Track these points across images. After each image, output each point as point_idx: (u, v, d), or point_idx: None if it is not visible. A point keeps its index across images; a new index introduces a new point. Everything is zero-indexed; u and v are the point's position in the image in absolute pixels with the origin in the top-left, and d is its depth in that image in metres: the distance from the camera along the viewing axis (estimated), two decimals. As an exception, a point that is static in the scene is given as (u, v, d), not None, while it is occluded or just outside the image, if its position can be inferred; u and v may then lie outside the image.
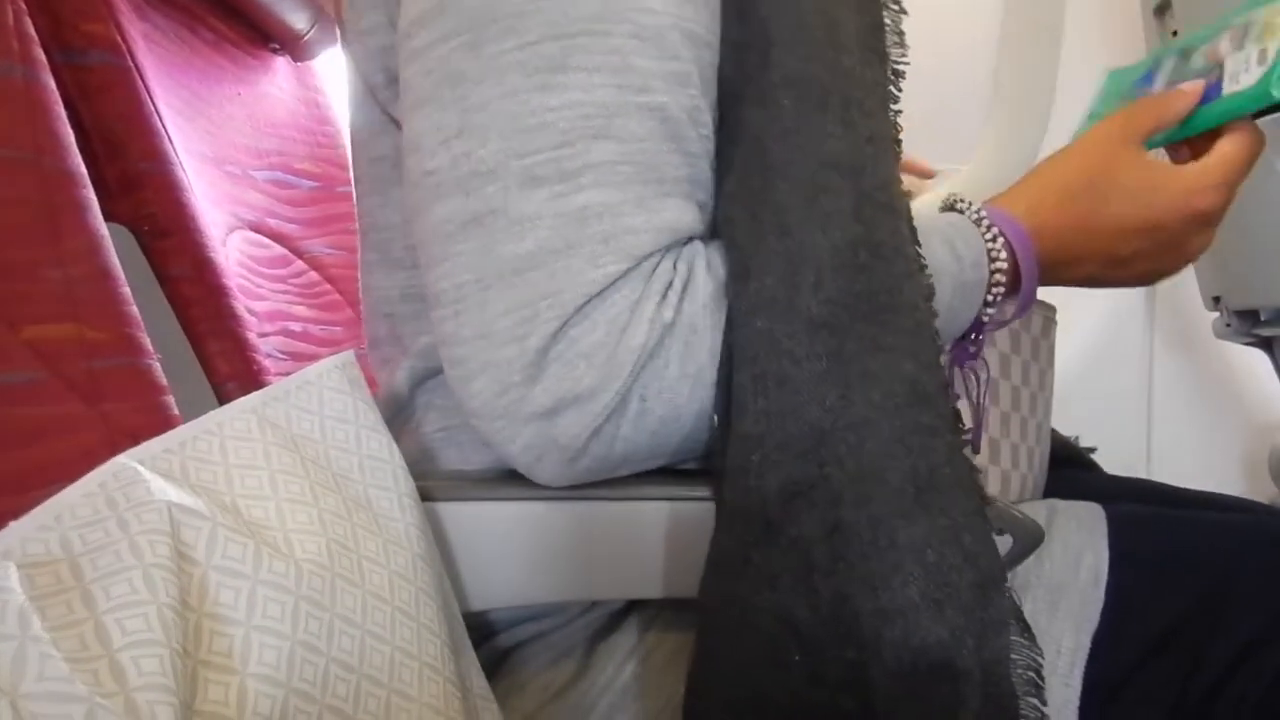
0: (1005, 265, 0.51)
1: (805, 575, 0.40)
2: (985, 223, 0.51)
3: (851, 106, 0.45)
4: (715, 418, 0.44)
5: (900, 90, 0.51)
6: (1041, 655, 0.45)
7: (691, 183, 0.44)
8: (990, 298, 0.51)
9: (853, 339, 0.42)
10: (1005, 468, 0.62)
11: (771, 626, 0.40)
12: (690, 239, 0.44)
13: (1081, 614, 0.49)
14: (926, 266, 0.47)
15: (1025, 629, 0.45)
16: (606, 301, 0.40)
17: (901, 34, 0.51)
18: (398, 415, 0.56)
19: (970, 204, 0.52)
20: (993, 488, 0.61)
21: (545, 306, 0.40)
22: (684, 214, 0.43)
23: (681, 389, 0.42)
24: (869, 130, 0.45)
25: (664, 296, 0.41)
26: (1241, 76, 0.52)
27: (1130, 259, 0.54)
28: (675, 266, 0.42)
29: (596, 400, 0.40)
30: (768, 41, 0.45)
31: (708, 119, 0.45)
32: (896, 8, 0.51)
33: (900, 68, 0.51)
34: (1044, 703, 0.44)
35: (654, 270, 0.41)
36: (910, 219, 0.47)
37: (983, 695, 0.40)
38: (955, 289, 0.49)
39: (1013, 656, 0.43)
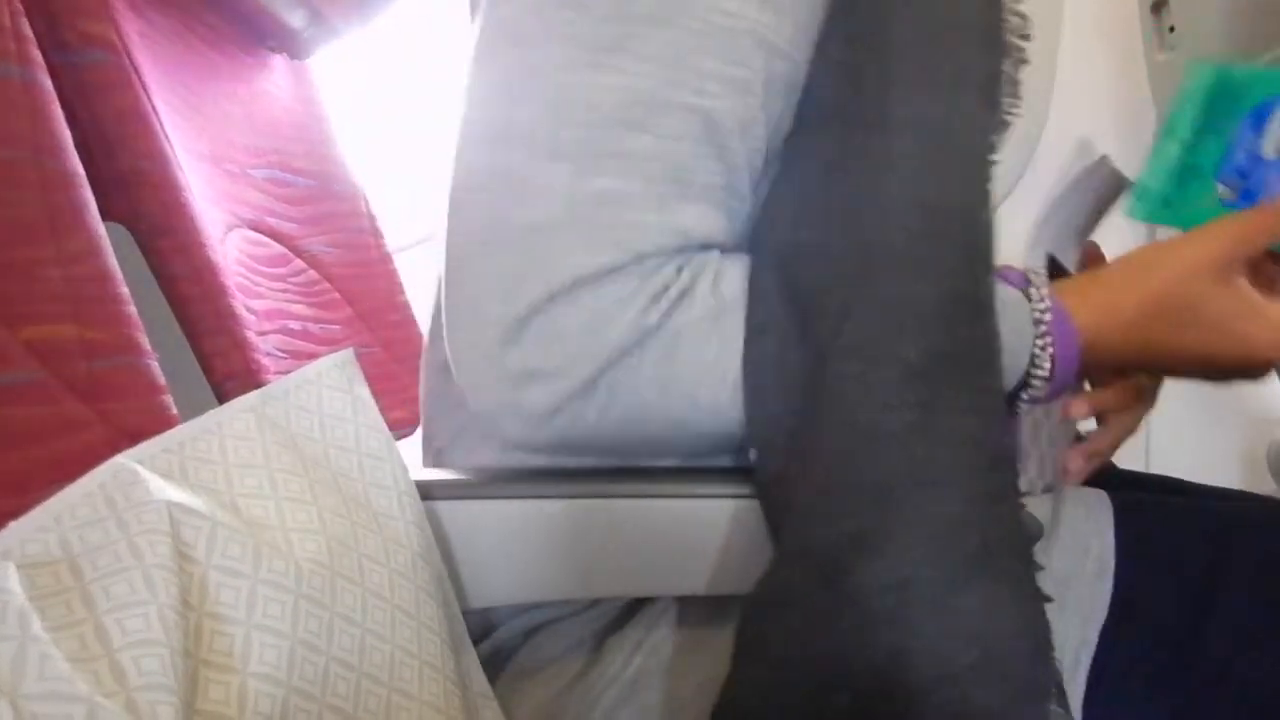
0: (1044, 376, 0.48)
1: (869, 625, 0.40)
2: (1043, 328, 0.47)
3: (970, 155, 0.44)
4: (753, 453, 0.43)
5: (1002, 141, 0.48)
6: None
7: (726, 190, 0.43)
8: (1021, 395, 0.49)
9: (943, 394, 0.41)
10: (1031, 476, 0.61)
11: (826, 667, 0.40)
12: (708, 247, 0.44)
13: (1089, 607, 0.49)
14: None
15: (1061, 695, 0.44)
16: (597, 290, 0.40)
17: (1017, 84, 0.49)
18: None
19: (1042, 295, 0.48)
20: None
21: (535, 277, 0.40)
22: (705, 220, 0.42)
23: (650, 392, 0.42)
24: (983, 181, 0.45)
25: (655, 300, 0.41)
26: None
27: (1169, 372, 0.53)
28: (679, 272, 0.42)
29: (562, 381, 0.41)
30: (888, 74, 0.43)
31: (762, 132, 0.43)
32: (1019, 55, 0.50)
33: (1009, 118, 0.49)
34: None
35: (655, 271, 0.41)
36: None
37: None
38: None
39: None
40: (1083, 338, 0.48)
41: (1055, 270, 0.61)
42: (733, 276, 0.44)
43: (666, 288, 0.41)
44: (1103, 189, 0.63)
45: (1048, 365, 0.48)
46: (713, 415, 0.43)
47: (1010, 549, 0.42)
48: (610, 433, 0.43)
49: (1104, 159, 0.62)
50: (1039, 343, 0.48)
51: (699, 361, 0.42)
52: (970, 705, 0.39)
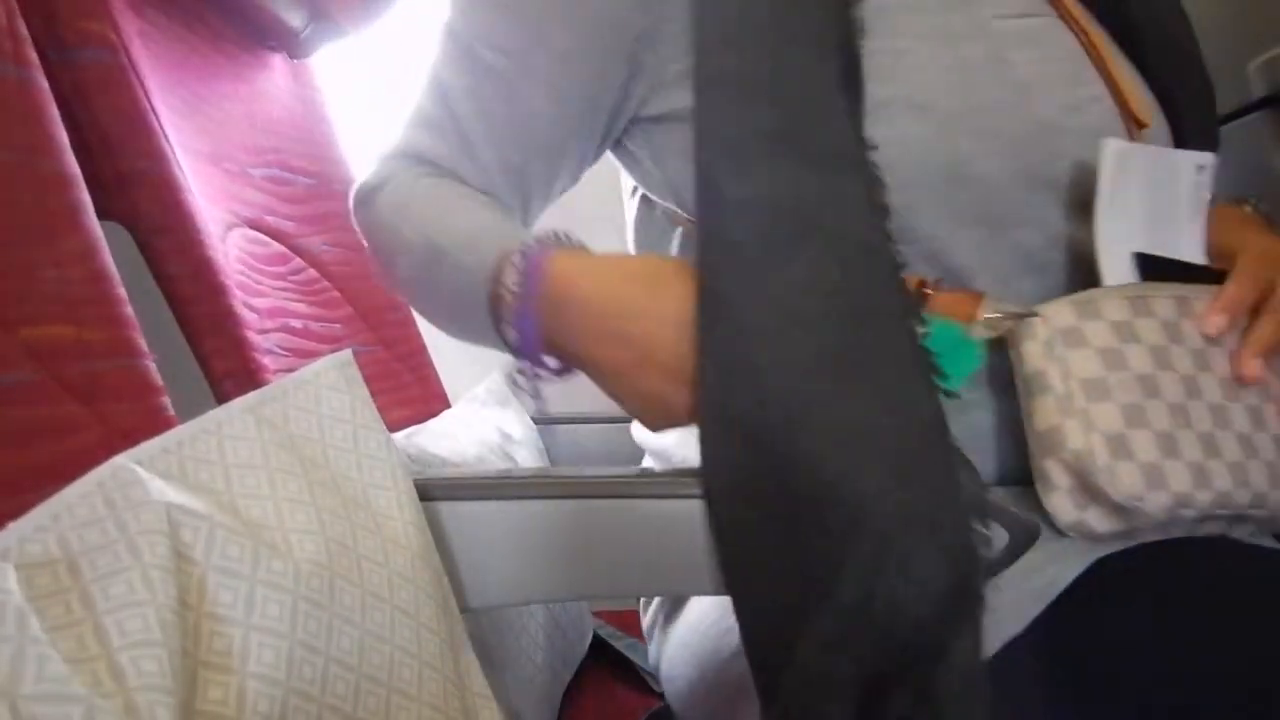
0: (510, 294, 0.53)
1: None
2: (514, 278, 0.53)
3: None
4: None
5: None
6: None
7: (456, 136, 0.62)
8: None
9: None
10: (1256, 486, 0.51)
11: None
12: (431, 164, 0.63)
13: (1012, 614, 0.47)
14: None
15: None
16: (378, 160, 0.65)
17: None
18: None
19: (537, 246, 0.54)
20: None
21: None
22: (424, 144, 0.63)
23: (372, 228, 0.65)
24: None
25: (373, 177, 0.64)
26: None
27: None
28: (402, 169, 0.63)
29: (358, 205, 0.66)
30: None
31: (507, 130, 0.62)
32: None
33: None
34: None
35: (386, 161, 0.64)
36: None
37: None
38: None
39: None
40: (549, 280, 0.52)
41: (1153, 266, 0.55)
42: (427, 185, 0.61)
43: (382, 175, 0.63)
44: (1152, 169, 0.56)
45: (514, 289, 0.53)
46: (401, 271, 0.62)
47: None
48: (377, 247, 0.65)
49: (1116, 143, 0.56)
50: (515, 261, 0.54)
51: (387, 227, 0.62)
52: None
